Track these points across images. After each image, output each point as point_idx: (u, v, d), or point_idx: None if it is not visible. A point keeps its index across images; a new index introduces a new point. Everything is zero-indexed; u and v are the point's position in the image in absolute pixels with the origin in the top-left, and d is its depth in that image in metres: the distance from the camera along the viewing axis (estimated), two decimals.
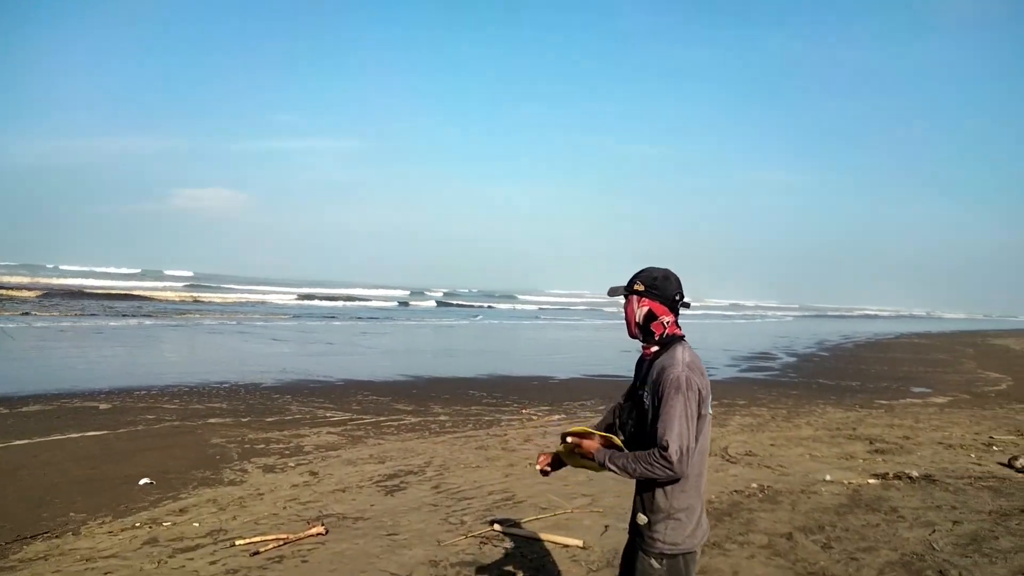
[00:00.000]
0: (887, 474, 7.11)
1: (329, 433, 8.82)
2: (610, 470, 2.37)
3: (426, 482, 6.64)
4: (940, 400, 14.10)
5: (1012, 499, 6.23)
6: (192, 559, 4.56)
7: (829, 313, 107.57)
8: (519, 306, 65.52)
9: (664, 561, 2.33)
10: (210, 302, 43.39)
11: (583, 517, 5.55)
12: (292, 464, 7.25)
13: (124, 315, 28.32)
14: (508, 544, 4.92)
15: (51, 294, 38.48)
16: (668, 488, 2.32)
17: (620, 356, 21.27)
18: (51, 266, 73.32)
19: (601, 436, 2.47)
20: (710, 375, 2.65)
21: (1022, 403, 13.64)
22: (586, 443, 2.45)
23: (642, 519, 2.39)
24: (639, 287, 2.47)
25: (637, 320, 2.47)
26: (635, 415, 2.47)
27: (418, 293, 75.30)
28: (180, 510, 5.65)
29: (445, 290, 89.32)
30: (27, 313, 26.36)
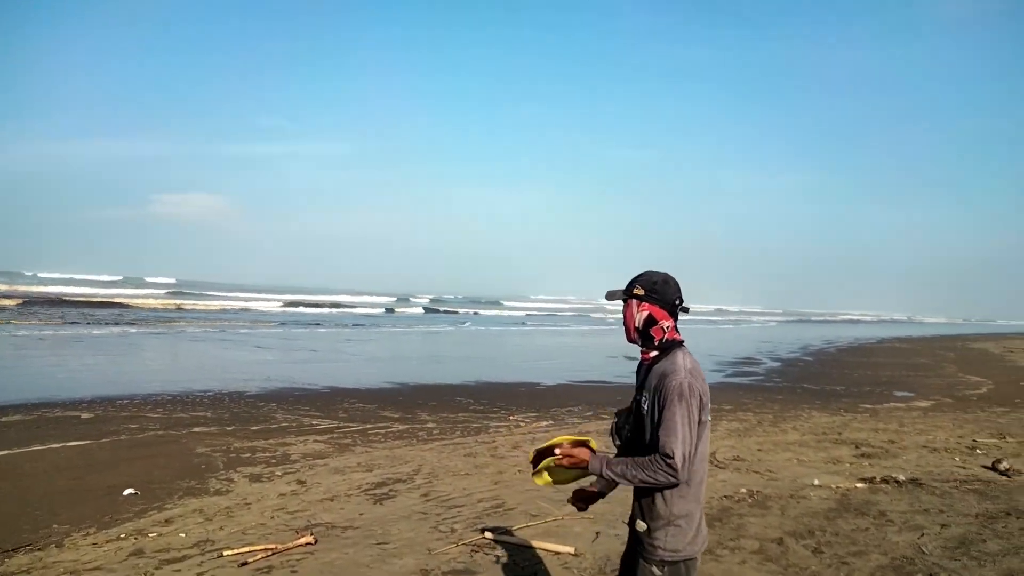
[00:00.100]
0: (874, 478, 7.16)
1: (316, 441, 8.74)
2: (608, 478, 2.33)
3: (415, 490, 6.59)
4: (923, 404, 14.24)
5: (997, 502, 6.29)
6: (179, 571, 4.49)
7: (812, 318, 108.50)
8: (506, 312, 65.52)
9: (666, 568, 2.31)
10: (193, 309, 43.01)
11: (574, 524, 5.53)
12: (279, 473, 7.17)
13: (106, 323, 27.98)
14: (499, 552, 4.89)
15: (31, 302, 37.92)
16: (667, 494, 2.31)
17: (607, 362, 21.32)
18: (30, 274, 72.37)
19: (575, 441, 2.41)
20: None
21: (1003, 406, 13.81)
22: (577, 452, 2.38)
23: (642, 526, 2.38)
24: (639, 291, 2.45)
25: (637, 325, 2.46)
26: (632, 420, 2.46)
27: (404, 300, 75.07)
28: (166, 521, 5.56)
29: (431, 296, 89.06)
30: (7, 322, 25.95)
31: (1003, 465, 7.66)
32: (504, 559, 4.76)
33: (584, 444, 2.42)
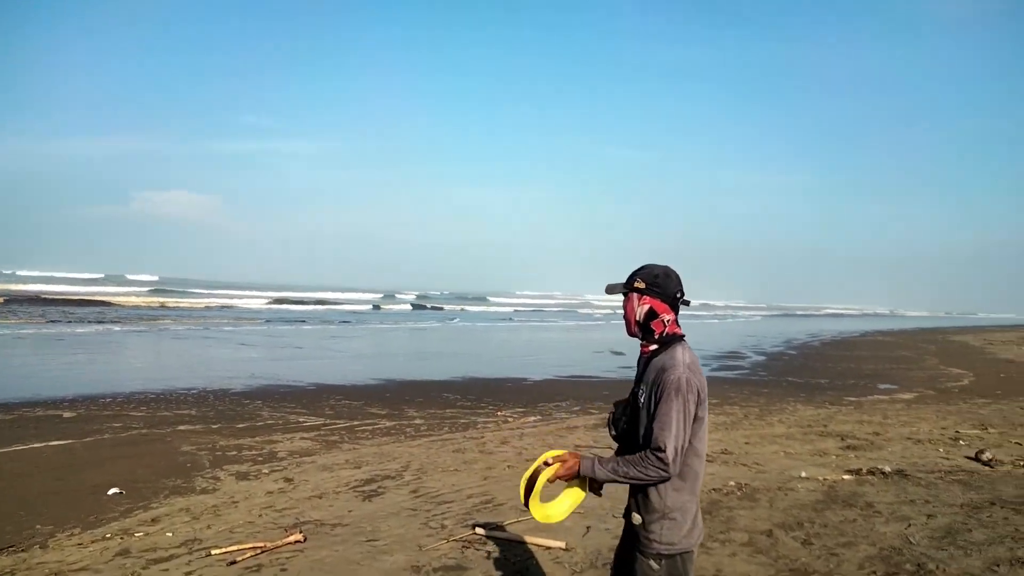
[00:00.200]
0: (860, 470, 7.22)
1: (303, 439, 8.68)
2: (599, 479, 2.34)
3: (404, 486, 6.56)
4: (906, 396, 14.40)
5: (982, 492, 6.36)
6: (167, 570, 4.43)
7: (796, 312, 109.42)
8: (492, 308, 65.42)
9: (663, 561, 2.31)
10: (177, 307, 42.57)
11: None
12: (266, 471, 7.12)
13: (88, 321, 27.62)
14: (491, 547, 4.87)
15: (10, 300, 37.38)
16: (662, 487, 2.30)
17: (593, 357, 21.37)
18: (8, 272, 71.25)
19: (556, 458, 2.41)
20: None
21: (984, 398, 13.99)
22: (564, 465, 2.38)
23: (637, 519, 2.37)
24: (639, 285, 2.43)
25: (638, 318, 2.44)
26: (629, 412, 2.45)
27: (390, 296, 74.77)
28: (152, 520, 5.49)
29: (417, 292, 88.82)
30: None
31: (986, 456, 7.75)
32: (495, 554, 4.75)
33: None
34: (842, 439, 9.06)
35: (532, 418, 10.59)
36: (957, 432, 9.65)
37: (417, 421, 10.10)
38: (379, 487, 6.51)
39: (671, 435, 2.19)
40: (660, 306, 2.42)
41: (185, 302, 47.07)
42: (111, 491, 6.24)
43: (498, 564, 4.59)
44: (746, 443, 8.73)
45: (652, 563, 2.31)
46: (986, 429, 9.91)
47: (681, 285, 2.45)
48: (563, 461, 2.39)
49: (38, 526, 5.31)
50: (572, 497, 2.52)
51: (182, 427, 9.11)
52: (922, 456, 8.11)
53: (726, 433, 9.39)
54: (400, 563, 4.57)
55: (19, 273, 69.46)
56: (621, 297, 2.51)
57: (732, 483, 6.62)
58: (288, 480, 6.74)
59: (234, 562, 4.51)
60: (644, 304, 2.42)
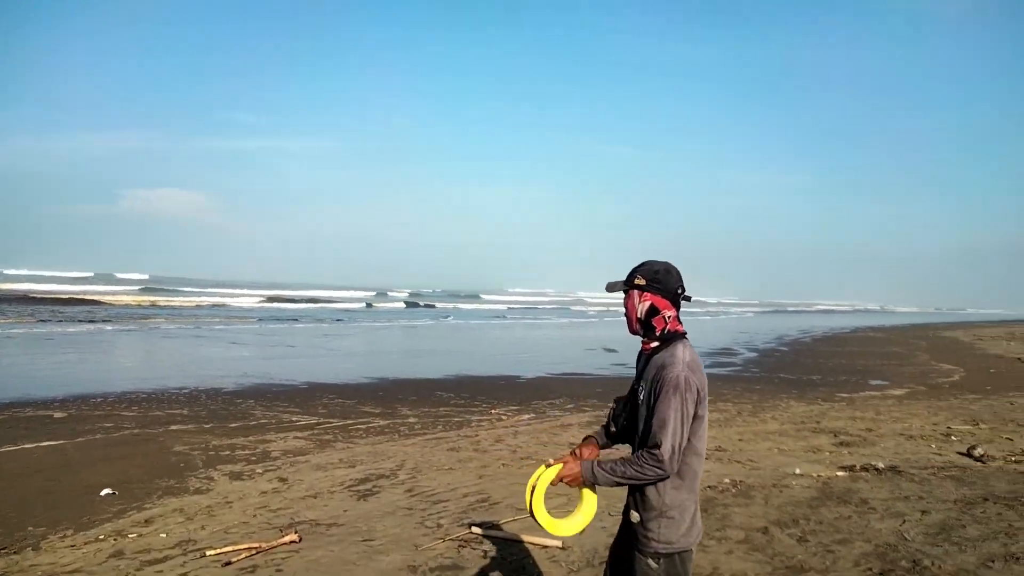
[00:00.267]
0: (854, 466, 7.25)
1: (296, 438, 8.64)
2: (600, 484, 2.36)
3: (399, 485, 6.54)
4: (898, 392, 14.47)
5: (974, 488, 6.40)
6: (161, 571, 4.40)
7: (788, 308, 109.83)
8: (486, 306, 65.37)
9: (661, 560, 2.30)
10: (168, 305, 42.29)
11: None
12: (260, 471, 7.08)
13: (78, 320, 27.42)
14: (487, 547, 4.86)
15: None
16: (660, 486, 2.30)
17: (586, 355, 21.38)
18: None
19: (549, 468, 2.46)
20: None
21: (975, 393, 14.08)
22: (567, 466, 2.42)
23: (635, 517, 2.36)
24: (640, 281, 2.42)
25: (639, 316, 2.43)
26: (628, 408, 2.45)
27: (382, 294, 74.65)
28: (146, 521, 5.46)
29: (410, 291, 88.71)
30: None
31: (978, 451, 7.80)
32: (492, 553, 4.74)
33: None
34: (835, 435, 9.10)
35: (526, 416, 10.58)
36: (949, 428, 9.71)
37: (411, 419, 10.07)
38: (374, 486, 6.49)
39: (668, 433, 2.19)
40: (661, 302, 2.41)
41: (176, 301, 46.76)
42: (104, 492, 6.19)
43: (495, 563, 4.58)
44: (740, 440, 8.75)
45: (650, 562, 2.31)
46: (977, 425, 9.97)
47: (682, 281, 2.44)
48: (564, 462, 2.40)
49: (30, 528, 5.27)
50: (584, 510, 2.53)
51: (174, 427, 9.06)
52: (915, 452, 8.15)
53: (720, 430, 9.41)
54: (396, 563, 4.56)
55: (6, 272, 68.85)
56: (621, 295, 2.50)
57: (727, 480, 6.64)
58: (282, 480, 6.71)
59: (229, 563, 4.48)
60: (645, 301, 2.41)
